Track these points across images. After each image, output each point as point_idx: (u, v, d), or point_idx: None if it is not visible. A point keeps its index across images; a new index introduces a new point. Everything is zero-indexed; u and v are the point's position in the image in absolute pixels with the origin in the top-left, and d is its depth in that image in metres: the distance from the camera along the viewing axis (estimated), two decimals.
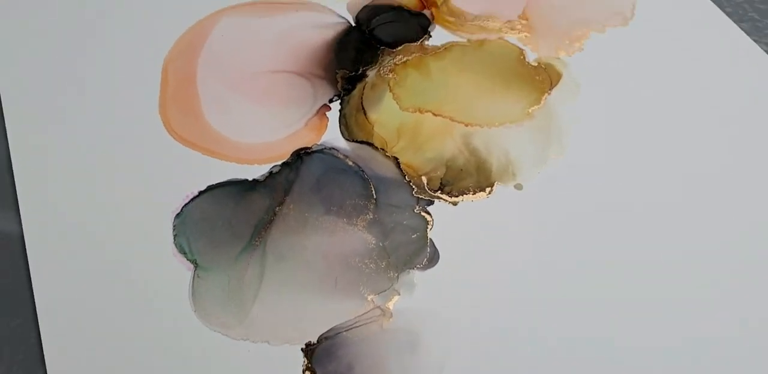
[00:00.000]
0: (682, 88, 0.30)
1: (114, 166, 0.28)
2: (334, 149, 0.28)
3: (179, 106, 0.30)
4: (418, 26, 0.32)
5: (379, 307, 0.24)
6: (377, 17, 0.32)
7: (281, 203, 0.27)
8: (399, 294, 0.25)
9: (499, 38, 0.32)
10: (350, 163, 0.27)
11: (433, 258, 0.26)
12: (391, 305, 0.25)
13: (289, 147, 0.28)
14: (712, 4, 0.33)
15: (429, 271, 0.26)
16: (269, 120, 0.29)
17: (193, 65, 0.31)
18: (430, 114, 0.29)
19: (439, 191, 0.27)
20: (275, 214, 0.27)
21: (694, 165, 0.28)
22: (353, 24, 0.32)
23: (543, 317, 0.25)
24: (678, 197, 0.27)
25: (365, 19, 0.32)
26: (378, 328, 0.24)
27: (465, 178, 0.28)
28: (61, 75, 0.30)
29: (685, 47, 0.32)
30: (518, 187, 0.28)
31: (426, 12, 0.33)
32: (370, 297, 0.25)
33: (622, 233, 0.26)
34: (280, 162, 0.28)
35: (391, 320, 0.24)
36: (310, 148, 0.28)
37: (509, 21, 0.33)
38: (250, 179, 0.28)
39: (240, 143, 0.29)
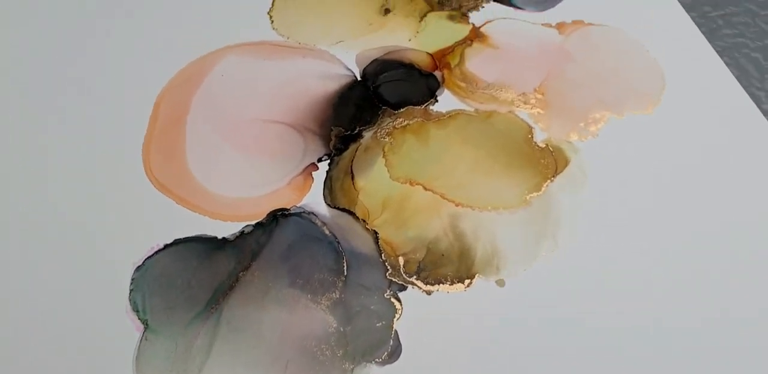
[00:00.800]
0: (706, 195, 0.28)
1: (82, 203, 0.26)
2: (312, 213, 0.26)
3: (163, 145, 0.28)
4: (426, 88, 0.30)
5: None
6: (385, 73, 0.30)
7: (246, 268, 0.25)
8: None
9: (510, 112, 0.30)
10: (327, 232, 0.26)
11: (395, 353, 0.24)
12: None
13: (267, 206, 0.27)
14: (748, 98, 0.31)
15: (387, 367, 0.24)
16: (252, 173, 0.28)
17: (186, 103, 0.29)
18: (421, 188, 0.28)
19: (415, 277, 0.26)
20: (237, 280, 0.25)
21: (699, 277, 0.26)
22: (359, 78, 0.30)
23: None
24: (679, 314, 0.25)
25: (372, 74, 0.30)
26: None
27: (445, 264, 0.26)
28: (47, 97, 0.29)
29: (715, 144, 0.29)
30: (500, 283, 0.26)
31: (437, 73, 0.31)
32: None
33: (610, 346, 0.24)
34: (254, 222, 0.26)
35: None
36: (288, 210, 0.26)
37: (524, 93, 0.31)
38: (220, 236, 0.26)
39: (217, 195, 0.27)
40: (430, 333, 0.25)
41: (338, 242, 0.26)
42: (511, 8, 0.34)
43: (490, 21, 0.33)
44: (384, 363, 0.24)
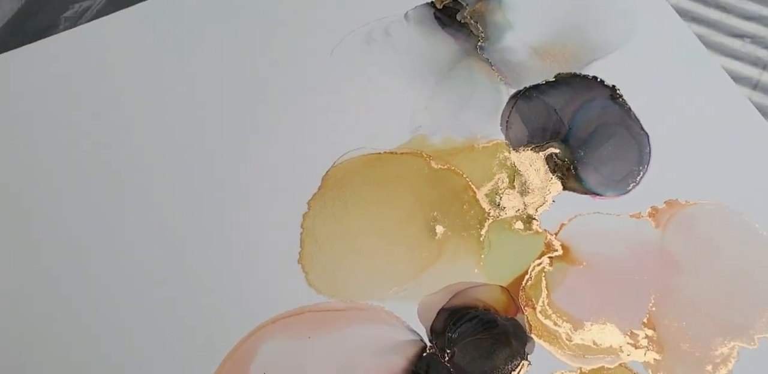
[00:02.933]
0: None
1: None
2: None
3: None
4: (511, 345, 0.20)
5: None
6: (457, 330, 0.21)
7: None
8: None
9: (621, 365, 0.21)
10: None
11: None
12: None
13: None
14: None
15: None
16: None
17: None
18: None
19: None
20: None
21: None
22: (428, 342, 0.20)
23: None
24: None
25: (441, 331, 0.21)
26: None
27: None
28: None
29: None
30: None
31: (520, 317, 0.21)
32: None
33: None
34: None
35: None
36: None
37: (631, 333, 0.21)
38: None
39: None
40: None
41: None
42: (587, 195, 0.25)
43: (565, 223, 0.24)
44: None
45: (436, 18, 0.30)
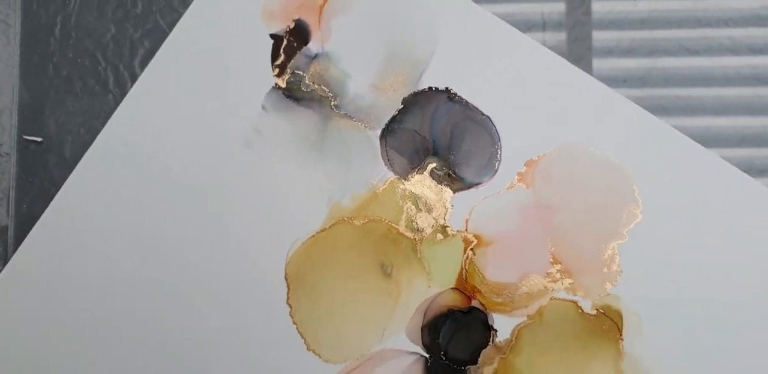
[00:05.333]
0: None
1: None
2: None
3: None
4: (480, 325, 0.33)
5: None
6: (441, 334, 0.33)
7: None
8: None
9: (552, 299, 0.34)
10: None
11: None
12: None
13: None
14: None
15: None
16: None
17: None
18: None
19: None
20: None
21: None
22: (427, 355, 0.32)
23: None
24: None
25: (430, 343, 0.32)
26: None
27: None
28: None
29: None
30: None
31: (475, 303, 0.33)
32: None
33: None
34: None
35: None
36: None
37: (547, 273, 0.34)
38: None
39: None
40: None
41: None
42: (472, 189, 0.36)
43: (468, 218, 0.35)
44: None
45: (287, 97, 0.37)
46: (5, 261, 0.35)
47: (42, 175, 0.35)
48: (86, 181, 0.35)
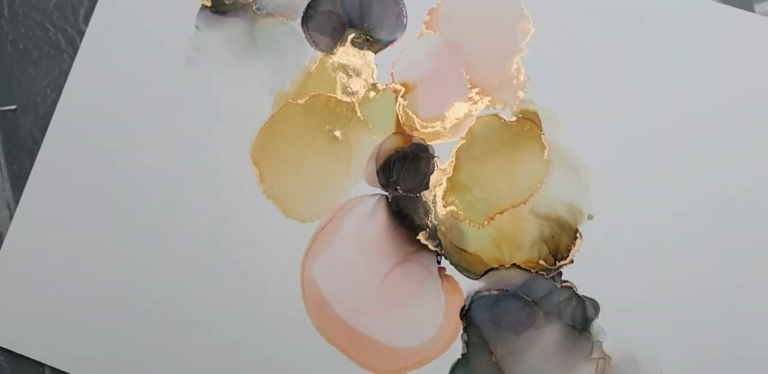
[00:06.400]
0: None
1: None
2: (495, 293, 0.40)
3: None
4: (423, 156, 0.41)
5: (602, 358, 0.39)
6: (394, 172, 0.41)
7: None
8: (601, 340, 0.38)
9: (477, 118, 0.42)
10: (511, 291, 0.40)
11: (597, 306, 0.39)
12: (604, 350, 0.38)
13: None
14: None
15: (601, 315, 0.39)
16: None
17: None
18: (500, 215, 0.41)
19: (556, 263, 0.40)
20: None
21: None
22: (385, 193, 0.42)
23: None
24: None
25: (386, 182, 0.41)
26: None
27: (561, 240, 0.40)
28: None
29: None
30: (590, 217, 0.40)
31: (416, 140, 0.42)
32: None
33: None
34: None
35: (612, 359, 0.38)
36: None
37: (468, 97, 0.42)
38: None
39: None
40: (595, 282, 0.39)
41: (520, 294, 0.40)
42: (389, 46, 0.43)
43: (392, 70, 0.43)
44: (596, 315, 0.39)
45: (215, 13, 0.44)
46: (11, 216, 0.40)
47: (23, 136, 0.41)
48: (60, 136, 0.42)
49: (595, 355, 0.37)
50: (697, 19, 0.38)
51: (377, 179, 0.40)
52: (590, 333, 0.37)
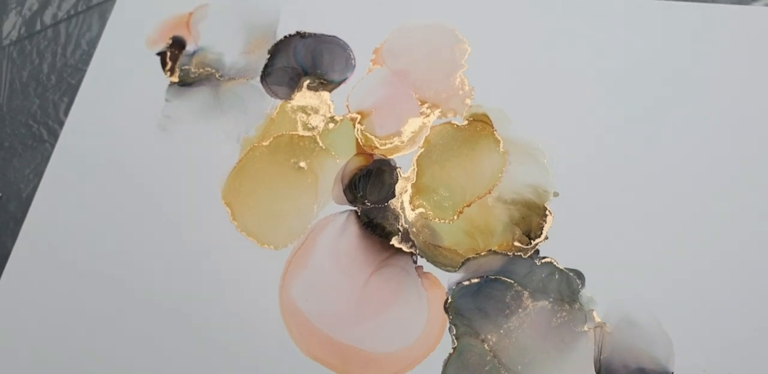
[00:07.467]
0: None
1: None
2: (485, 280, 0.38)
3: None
4: (387, 171, 0.42)
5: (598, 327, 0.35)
6: (360, 187, 0.42)
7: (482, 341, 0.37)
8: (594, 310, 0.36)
9: (432, 128, 0.43)
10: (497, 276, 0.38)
11: (581, 277, 0.37)
12: (598, 319, 0.36)
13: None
14: None
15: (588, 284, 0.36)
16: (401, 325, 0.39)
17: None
18: (467, 207, 0.40)
19: (531, 242, 0.38)
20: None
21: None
22: (355, 208, 0.42)
23: None
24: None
25: (353, 198, 0.42)
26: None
27: (532, 220, 0.39)
28: None
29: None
30: (556, 194, 0.39)
31: (377, 157, 0.43)
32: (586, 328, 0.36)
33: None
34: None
35: (608, 325, 0.35)
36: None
37: (421, 113, 0.43)
38: None
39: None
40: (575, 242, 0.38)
41: (503, 280, 0.38)
42: (342, 85, 0.46)
43: (347, 103, 0.45)
44: (582, 286, 0.37)
45: (182, 86, 0.49)
46: None
47: (5, 219, 0.45)
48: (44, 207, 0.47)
49: (590, 325, 0.35)
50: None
51: (344, 197, 0.41)
52: (580, 304, 0.35)
